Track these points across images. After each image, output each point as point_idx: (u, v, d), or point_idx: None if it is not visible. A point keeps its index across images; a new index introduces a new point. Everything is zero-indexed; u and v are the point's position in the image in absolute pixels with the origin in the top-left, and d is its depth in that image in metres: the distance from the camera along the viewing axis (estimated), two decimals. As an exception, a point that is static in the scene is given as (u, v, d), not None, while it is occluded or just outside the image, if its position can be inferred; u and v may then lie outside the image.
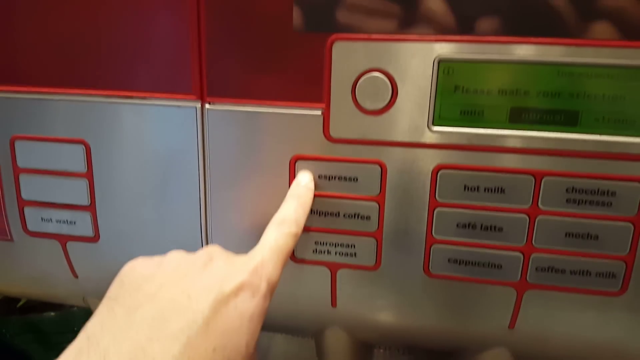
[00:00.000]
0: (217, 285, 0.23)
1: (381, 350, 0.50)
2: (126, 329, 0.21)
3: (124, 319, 0.21)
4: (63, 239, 0.34)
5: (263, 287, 0.24)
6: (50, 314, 0.70)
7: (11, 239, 0.35)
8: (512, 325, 0.31)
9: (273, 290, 0.25)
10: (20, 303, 0.66)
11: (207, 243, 0.32)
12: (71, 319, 0.70)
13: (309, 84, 0.28)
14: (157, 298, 0.22)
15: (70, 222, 0.33)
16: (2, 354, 0.71)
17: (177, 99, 0.30)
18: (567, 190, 0.27)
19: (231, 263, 0.25)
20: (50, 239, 0.34)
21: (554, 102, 0.27)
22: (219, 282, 0.23)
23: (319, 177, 0.30)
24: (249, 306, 0.23)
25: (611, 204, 0.27)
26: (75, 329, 0.71)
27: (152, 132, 0.31)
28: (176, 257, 0.25)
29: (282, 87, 0.28)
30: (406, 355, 0.51)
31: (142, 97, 0.30)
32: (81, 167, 0.32)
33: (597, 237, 0.28)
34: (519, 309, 0.30)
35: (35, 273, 0.36)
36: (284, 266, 0.26)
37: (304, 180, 0.29)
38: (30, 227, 0.34)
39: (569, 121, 0.27)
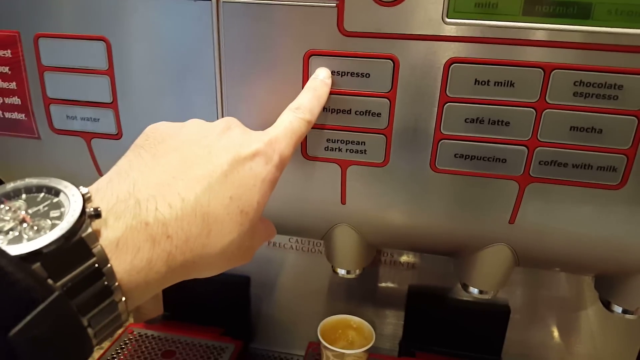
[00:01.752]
0: (235, 148, 0.25)
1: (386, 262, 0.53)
2: (153, 168, 0.23)
3: (151, 161, 0.24)
4: (88, 136, 0.36)
5: (276, 158, 0.26)
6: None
7: (39, 137, 0.37)
8: (512, 220, 0.32)
9: (284, 165, 0.27)
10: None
11: (224, 138, 0.34)
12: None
13: (324, -26, 0.28)
14: (181, 149, 0.24)
15: (94, 120, 0.35)
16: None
17: (194, -7, 0.30)
18: (575, 83, 0.28)
19: (248, 133, 0.27)
20: (75, 137, 0.36)
21: (568, -6, 0.27)
22: (236, 146, 0.25)
23: (331, 73, 0.31)
24: (262, 170, 0.25)
25: (617, 97, 0.28)
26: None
27: (168, 27, 0.31)
28: (196, 123, 0.27)
29: (298, -22, 0.29)
30: (409, 270, 0.54)
31: (160, -8, 0.31)
32: (103, 65, 0.33)
33: (601, 131, 0.29)
34: (520, 203, 0.31)
35: (62, 172, 0.38)
36: (295, 147, 0.28)
37: (322, 75, 0.30)
38: (56, 125, 0.36)
39: (582, 14, 0.27)
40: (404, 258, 0.53)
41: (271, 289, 0.57)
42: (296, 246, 0.54)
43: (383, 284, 0.54)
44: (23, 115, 0.36)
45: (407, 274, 0.53)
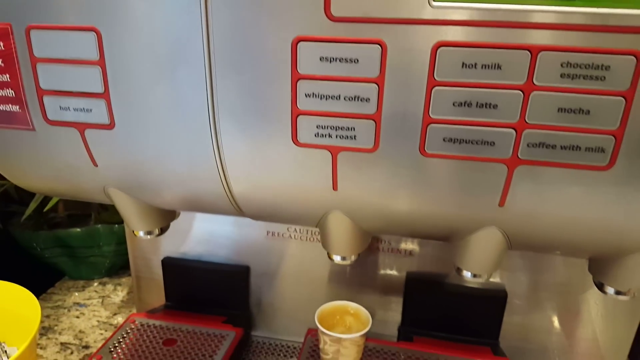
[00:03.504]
0: None
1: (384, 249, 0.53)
2: None
3: None
4: (81, 127, 0.36)
5: None
6: (77, 229, 0.74)
7: (33, 129, 0.37)
8: (502, 202, 0.32)
9: None
10: (47, 207, 0.70)
11: (214, 126, 0.34)
12: (96, 235, 0.75)
13: (309, -41, 0.28)
14: None
15: (87, 110, 0.35)
16: (35, 265, 0.77)
17: (181, -18, 0.30)
18: (562, 65, 0.28)
19: None
20: (69, 127, 0.36)
21: (554, -25, 0.27)
22: None
23: (320, 59, 0.31)
24: None
25: (604, 78, 0.28)
26: (100, 243, 0.76)
27: (158, 16, 0.32)
28: None
29: (283, -36, 0.29)
30: (408, 257, 0.54)
31: (148, -18, 0.31)
32: (94, 55, 0.33)
33: (588, 112, 0.29)
34: (510, 185, 0.32)
35: (58, 163, 0.39)
36: None
37: None
38: (50, 116, 0.36)
39: (569, -6, 0.27)
40: (403, 245, 0.53)
41: (271, 277, 0.57)
42: (295, 235, 0.55)
43: (382, 271, 0.55)
44: (17, 107, 0.36)
45: (405, 260, 0.54)
